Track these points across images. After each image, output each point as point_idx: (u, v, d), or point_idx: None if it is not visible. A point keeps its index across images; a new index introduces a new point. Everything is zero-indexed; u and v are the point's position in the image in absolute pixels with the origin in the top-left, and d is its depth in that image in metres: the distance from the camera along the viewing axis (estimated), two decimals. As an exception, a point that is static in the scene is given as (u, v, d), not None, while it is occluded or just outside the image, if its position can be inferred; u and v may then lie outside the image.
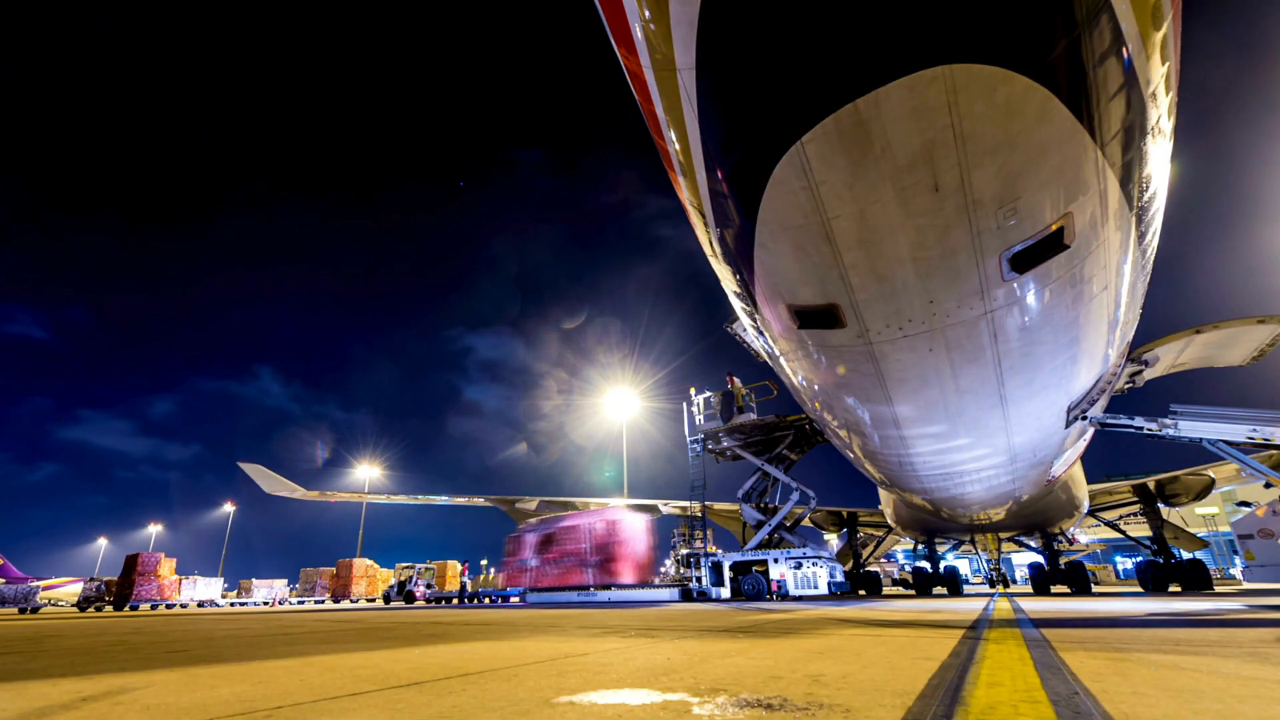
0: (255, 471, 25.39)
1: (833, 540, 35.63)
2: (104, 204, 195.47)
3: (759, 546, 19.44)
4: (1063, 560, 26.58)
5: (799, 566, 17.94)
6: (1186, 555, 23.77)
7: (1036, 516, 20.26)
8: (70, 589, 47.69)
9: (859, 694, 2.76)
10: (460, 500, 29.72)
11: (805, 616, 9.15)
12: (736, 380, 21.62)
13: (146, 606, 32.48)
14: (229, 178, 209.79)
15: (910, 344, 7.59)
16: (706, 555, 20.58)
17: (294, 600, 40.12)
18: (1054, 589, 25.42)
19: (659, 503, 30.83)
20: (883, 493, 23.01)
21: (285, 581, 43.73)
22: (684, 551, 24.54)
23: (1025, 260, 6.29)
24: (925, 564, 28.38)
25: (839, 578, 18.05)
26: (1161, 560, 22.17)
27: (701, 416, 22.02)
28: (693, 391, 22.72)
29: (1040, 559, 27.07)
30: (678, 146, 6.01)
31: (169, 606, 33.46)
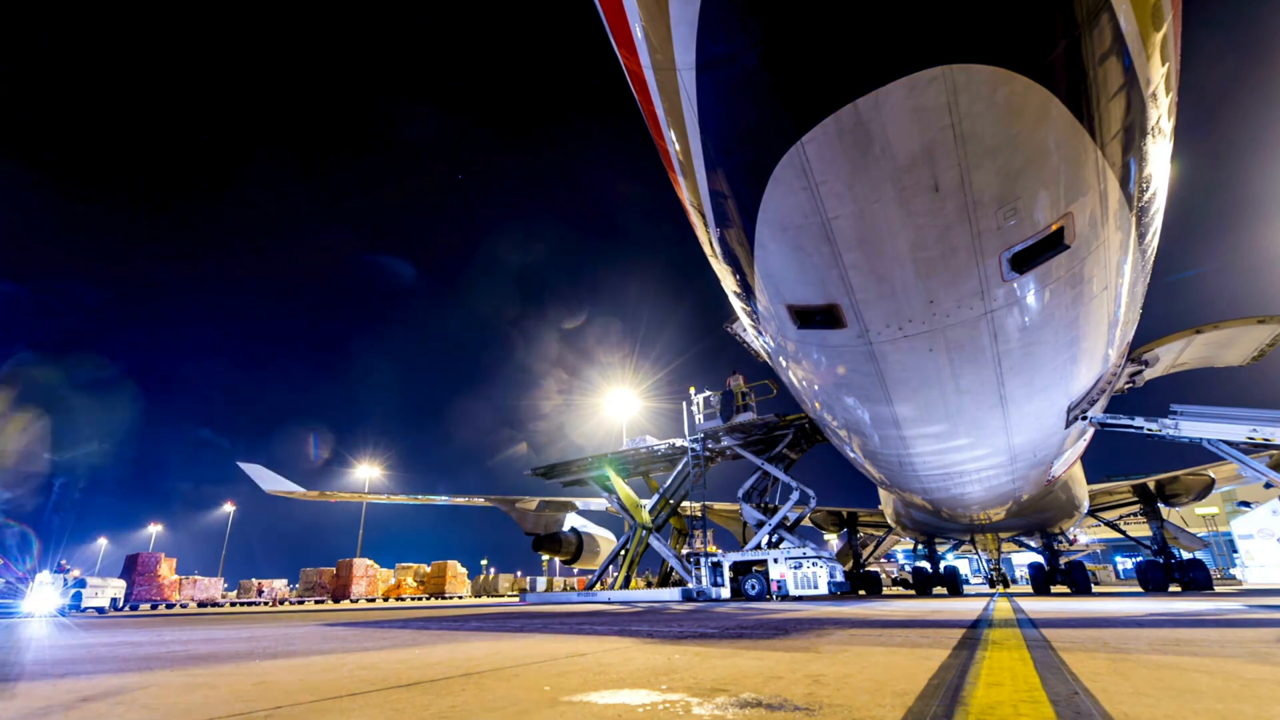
0: (254, 471, 25.36)
1: (833, 540, 35.62)
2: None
3: (759, 546, 19.45)
4: (1063, 560, 26.56)
5: (799, 566, 17.94)
6: (1186, 555, 23.75)
7: (1036, 516, 20.25)
8: (70, 589, 47.64)
9: (859, 694, 2.76)
10: (460, 500, 29.67)
11: (805, 616, 9.15)
12: (739, 378, 21.62)
13: (146, 606, 32.49)
14: (225, 166, 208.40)
15: (910, 344, 7.58)
16: (706, 555, 20.59)
17: (294, 600, 40.11)
18: (1054, 589, 25.42)
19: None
20: (883, 493, 23.00)
21: (285, 581, 43.75)
22: (684, 551, 24.55)
23: (1025, 260, 6.29)
24: (925, 564, 28.38)
25: (839, 578, 18.05)
26: (1161, 560, 22.16)
27: (701, 416, 22.02)
28: (692, 391, 22.72)
29: (1040, 559, 27.05)
30: (678, 146, 6.01)
31: (169, 606, 33.47)
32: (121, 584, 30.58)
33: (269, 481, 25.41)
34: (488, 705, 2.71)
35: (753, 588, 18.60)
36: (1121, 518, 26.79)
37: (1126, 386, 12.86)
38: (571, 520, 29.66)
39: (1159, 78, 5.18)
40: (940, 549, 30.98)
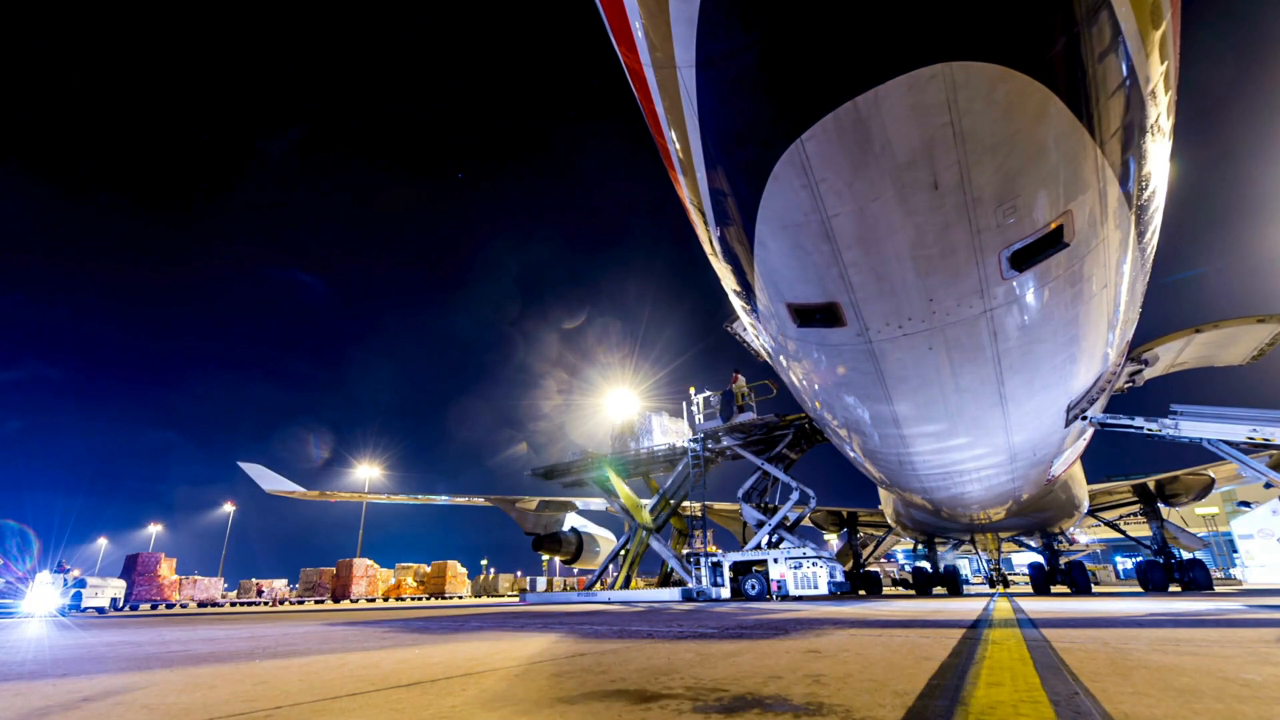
0: (255, 471, 25.33)
1: (833, 540, 35.60)
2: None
3: (759, 546, 19.45)
4: (1063, 560, 26.53)
5: (799, 566, 17.93)
6: (1186, 555, 23.73)
7: (1036, 516, 20.24)
8: (70, 589, 47.61)
9: (859, 694, 2.75)
10: (460, 500, 29.66)
11: (805, 616, 9.15)
12: (740, 379, 21.62)
13: (146, 606, 32.49)
14: (226, 166, 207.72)
15: (910, 342, 7.57)
16: (706, 555, 20.57)
17: (294, 600, 40.10)
18: (1054, 589, 25.41)
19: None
20: (883, 493, 22.99)
21: (285, 581, 43.75)
22: (684, 551, 24.54)
23: (1025, 258, 6.28)
24: (925, 564, 28.38)
25: (839, 578, 18.03)
26: (1161, 560, 22.14)
27: (701, 416, 22.01)
28: (692, 391, 22.71)
29: (1040, 559, 27.03)
30: (678, 145, 6.00)
31: (169, 606, 33.47)
32: (121, 584, 30.56)
33: (269, 481, 25.40)
34: (488, 705, 2.71)
35: (753, 588, 18.58)
36: (1121, 518, 26.76)
37: (1126, 386, 12.85)
38: (571, 520, 29.65)
39: (1158, 76, 5.17)
40: (940, 549, 30.96)
